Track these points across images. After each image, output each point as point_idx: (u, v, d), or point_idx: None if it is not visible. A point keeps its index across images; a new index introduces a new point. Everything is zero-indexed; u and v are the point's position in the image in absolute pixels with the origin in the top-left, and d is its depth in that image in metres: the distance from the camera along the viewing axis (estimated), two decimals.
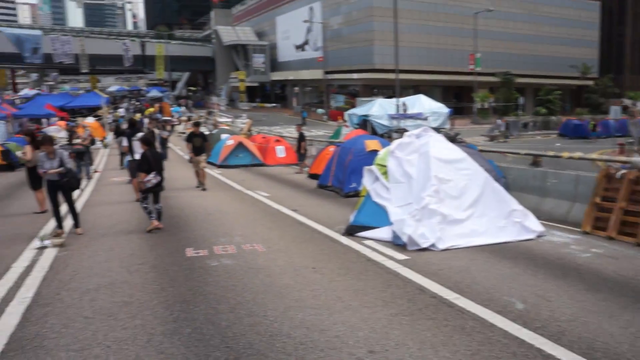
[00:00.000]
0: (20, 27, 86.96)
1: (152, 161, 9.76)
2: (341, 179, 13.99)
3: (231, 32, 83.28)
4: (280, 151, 22.93)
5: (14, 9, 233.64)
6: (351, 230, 9.01)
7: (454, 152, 9.64)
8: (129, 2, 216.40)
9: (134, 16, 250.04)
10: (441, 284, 6.34)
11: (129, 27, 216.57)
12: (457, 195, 8.81)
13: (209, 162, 19.98)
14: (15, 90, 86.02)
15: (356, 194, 12.74)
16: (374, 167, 9.51)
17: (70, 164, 9.53)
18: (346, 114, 39.51)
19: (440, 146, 9.60)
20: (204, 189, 14.87)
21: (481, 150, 13.64)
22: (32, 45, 66.43)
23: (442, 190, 8.72)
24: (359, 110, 37.36)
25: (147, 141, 10.13)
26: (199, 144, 15.22)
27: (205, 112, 52.64)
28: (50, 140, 9.44)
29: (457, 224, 8.46)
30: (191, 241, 8.67)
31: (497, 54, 59.12)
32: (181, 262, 7.39)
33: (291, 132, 38.78)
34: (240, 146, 22.41)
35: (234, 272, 6.85)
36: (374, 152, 13.16)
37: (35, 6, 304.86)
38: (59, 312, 5.57)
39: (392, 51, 38.59)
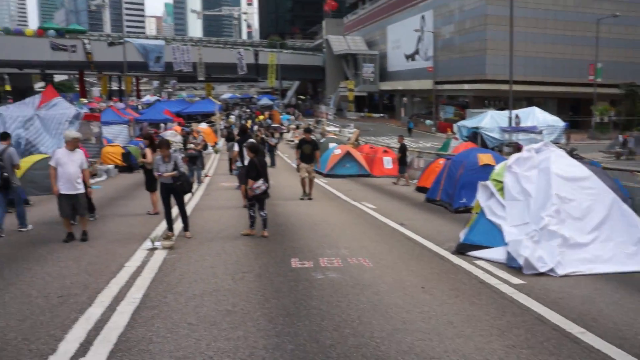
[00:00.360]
0: (147, 38, 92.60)
1: (260, 168, 9.81)
2: (451, 194, 13.44)
3: (342, 41, 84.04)
4: (388, 162, 22.58)
5: (142, 22, 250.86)
6: (462, 249, 8.51)
7: (578, 169, 8.86)
8: (245, 13, 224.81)
9: (249, 26, 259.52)
10: (563, 315, 5.74)
11: (244, 36, 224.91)
12: (580, 217, 8.05)
13: (315, 171, 20.02)
14: (139, 97, 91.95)
15: (466, 209, 12.19)
16: (489, 183, 8.95)
17: (184, 168, 9.78)
18: (455, 125, 38.40)
19: (563, 162, 8.86)
20: (310, 199, 14.69)
21: (605, 168, 12.57)
22: (156, 54, 70.85)
23: (563, 211, 8.00)
24: (469, 122, 36.15)
25: (255, 149, 10.19)
26: (309, 152, 14.77)
27: (314, 121, 53.36)
28: (167, 144, 9.74)
29: (579, 248, 7.72)
30: (297, 251, 8.55)
31: (620, 64, 55.20)
32: (286, 273, 7.27)
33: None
34: (347, 156, 22.33)
35: (339, 287, 6.62)
36: (487, 167, 12.57)
37: (160, 19, 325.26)
38: (165, 316, 5.59)
39: (506, 61, 37.03)
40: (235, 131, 25.19)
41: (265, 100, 78.98)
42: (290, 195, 15.42)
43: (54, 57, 65.36)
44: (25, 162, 16.01)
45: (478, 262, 7.92)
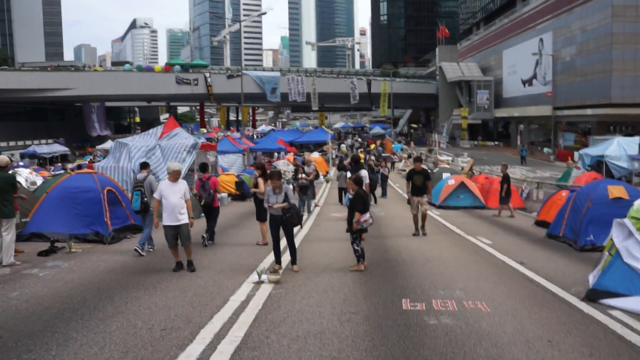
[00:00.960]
0: (263, 69, 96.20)
1: (366, 200, 9.47)
2: (576, 230, 12.28)
3: (455, 68, 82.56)
4: None
5: (260, 54, 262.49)
6: (593, 296, 7.54)
7: None
8: (358, 43, 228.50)
9: (362, 56, 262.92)
10: None
11: (357, 66, 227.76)
12: None
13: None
14: (254, 126, 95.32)
15: (593, 248, 11.10)
16: (626, 221, 7.93)
17: (294, 199, 9.62)
18: (577, 154, 36.01)
19: None
20: (424, 234, 13.69)
21: None
22: (272, 85, 73.25)
23: None
24: (592, 150, 33.68)
25: (358, 181, 9.87)
26: (420, 183, 13.54)
27: (426, 150, 52.40)
28: (278, 175, 9.64)
29: None
30: (408, 291, 8.02)
31: None
32: (396, 316, 6.77)
33: (514, 172, 36.52)
34: (461, 186, 21.43)
35: (453, 336, 6.02)
36: (619, 200, 11.49)
37: (276, 51, 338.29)
38: (265, 358, 5.30)
39: (634, 82, 34.40)
40: (347, 160, 25.09)
41: (377, 129, 78.95)
42: (401, 228, 14.89)
43: (178, 90, 69.43)
44: None
45: (614, 312, 6.97)
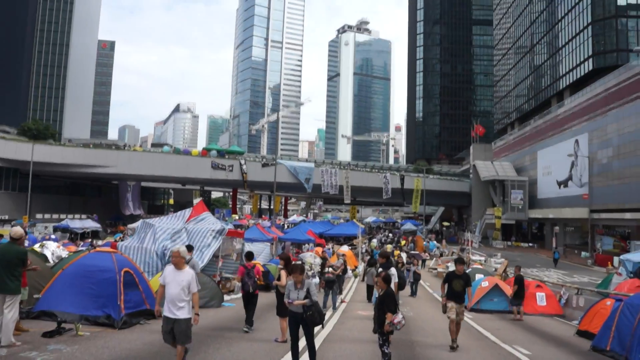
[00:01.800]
0: (298, 160, 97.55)
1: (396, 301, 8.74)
2: (626, 345, 11.17)
3: (490, 167, 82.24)
4: (541, 299, 20.17)
5: (296, 145, 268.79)
6: None
7: None
8: (392, 139, 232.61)
9: (396, 151, 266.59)
10: None
11: (391, 161, 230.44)
12: None
13: None
14: (286, 216, 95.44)
15: None
16: None
17: (317, 296, 8.89)
18: (617, 259, 34.45)
19: None
20: (456, 346, 11.61)
21: None
22: (305, 175, 73.91)
23: None
24: (634, 256, 32.15)
25: (387, 279, 9.19)
26: (460, 289, 11.83)
27: (458, 249, 51.13)
28: (300, 269, 9.00)
29: None
30: None
31: None
32: None
33: (549, 276, 35.06)
34: (495, 289, 20.30)
35: None
36: None
37: (312, 143, 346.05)
38: None
39: None
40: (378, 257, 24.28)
41: (408, 225, 78.03)
42: (431, 331, 13.90)
43: (213, 175, 70.35)
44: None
45: None
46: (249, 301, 12.50)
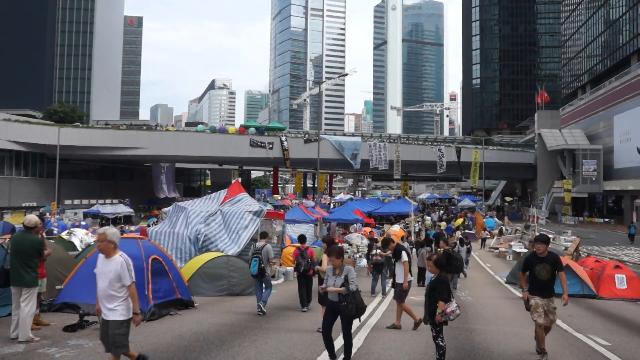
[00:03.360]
0: (344, 135, 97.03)
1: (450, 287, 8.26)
2: None
3: (557, 135, 79.92)
4: (621, 281, 19.25)
5: (342, 119, 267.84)
6: None
7: None
8: (447, 109, 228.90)
9: (451, 122, 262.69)
10: None
11: (445, 133, 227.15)
12: None
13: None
14: (331, 195, 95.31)
15: None
16: None
17: (357, 285, 8.43)
18: None
19: None
20: (544, 352, 9.30)
21: None
22: (352, 151, 73.40)
23: None
24: None
25: (440, 263, 8.72)
26: (547, 277, 9.33)
27: (522, 226, 49.89)
28: (337, 253, 8.58)
29: None
30: None
31: None
32: None
33: (630, 255, 33.74)
34: (566, 270, 19.49)
35: None
36: None
37: (359, 116, 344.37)
38: None
39: None
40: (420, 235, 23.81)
41: (466, 201, 76.91)
42: (492, 319, 13.36)
43: (252, 153, 70.55)
44: (198, 261, 16.13)
45: None
46: (304, 282, 13.78)
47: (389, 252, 19.98)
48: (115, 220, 51.73)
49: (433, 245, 23.40)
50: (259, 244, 13.47)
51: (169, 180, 78.10)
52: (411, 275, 13.73)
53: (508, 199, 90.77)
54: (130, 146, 66.42)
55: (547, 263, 9.38)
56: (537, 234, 36.49)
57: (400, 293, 12.33)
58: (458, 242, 24.87)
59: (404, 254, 13.23)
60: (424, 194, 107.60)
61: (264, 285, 13.20)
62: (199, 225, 18.98)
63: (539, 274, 9.36)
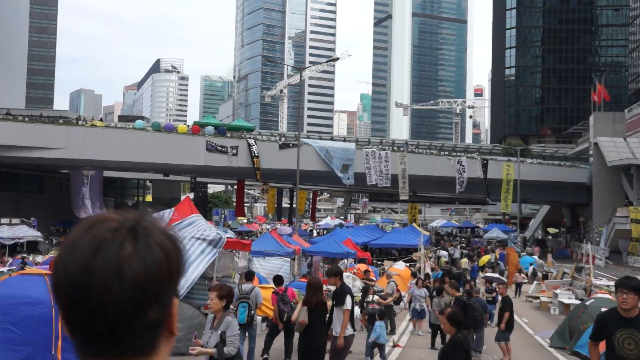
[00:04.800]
0: (332, 138, 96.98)
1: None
2: None
3: (621, 146, 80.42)
4: None
5: (331, 117, 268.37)
6: None
7: None
8: (471, 108, 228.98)
9: (476, 125, 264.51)
10: None
11: (468, 139, 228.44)
12: None
13: (575, 353, 17.56)
14: (314, 219, 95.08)
15: None
16: None
17: (236, 347, 8.03)
18: None
19: None
20: None
21: None
22: (342, 161, 73.00)
23: None
24: None
25: (456, 320, 8.37)
26: (637, 353, 7.16)
27: (572, 268, 49.95)
28: (227, 296, 8.43)
29: None
30: None
31: None
32: None
33: None
34: None
35: None
36: None
37: (353, 114, 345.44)
38: None
39: None
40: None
41: (495, 232, 77.05)
42: None
43: (209, 161, 69.95)
44: None
45: None
46: (289, 330, 14.77)
47: (390, 300, 19.78)
48: (15, 248, 50.58)
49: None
50: (246, 286, 14.45)
51: (95, 194, 77.29)
52: (352, 329, 12.62)
53: (552, 230, 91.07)
54: (41, 146, 65.17)
55: (636, 330, 7.23)
56: (594, 279, 36.58)
57: (335, 351, 11.73)
58: (485, 287, 24.74)
59: (348, 299, 12.32)
60: (438, 221, 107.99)
61: (247, 339, 14.02)
62: None
63: (621, 348, 7.24)
